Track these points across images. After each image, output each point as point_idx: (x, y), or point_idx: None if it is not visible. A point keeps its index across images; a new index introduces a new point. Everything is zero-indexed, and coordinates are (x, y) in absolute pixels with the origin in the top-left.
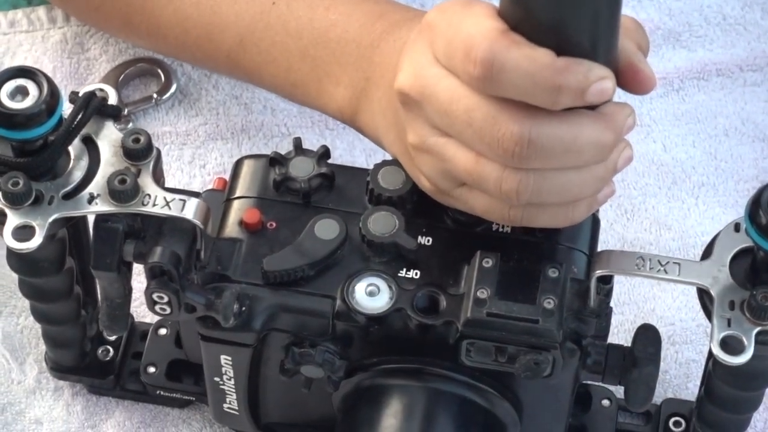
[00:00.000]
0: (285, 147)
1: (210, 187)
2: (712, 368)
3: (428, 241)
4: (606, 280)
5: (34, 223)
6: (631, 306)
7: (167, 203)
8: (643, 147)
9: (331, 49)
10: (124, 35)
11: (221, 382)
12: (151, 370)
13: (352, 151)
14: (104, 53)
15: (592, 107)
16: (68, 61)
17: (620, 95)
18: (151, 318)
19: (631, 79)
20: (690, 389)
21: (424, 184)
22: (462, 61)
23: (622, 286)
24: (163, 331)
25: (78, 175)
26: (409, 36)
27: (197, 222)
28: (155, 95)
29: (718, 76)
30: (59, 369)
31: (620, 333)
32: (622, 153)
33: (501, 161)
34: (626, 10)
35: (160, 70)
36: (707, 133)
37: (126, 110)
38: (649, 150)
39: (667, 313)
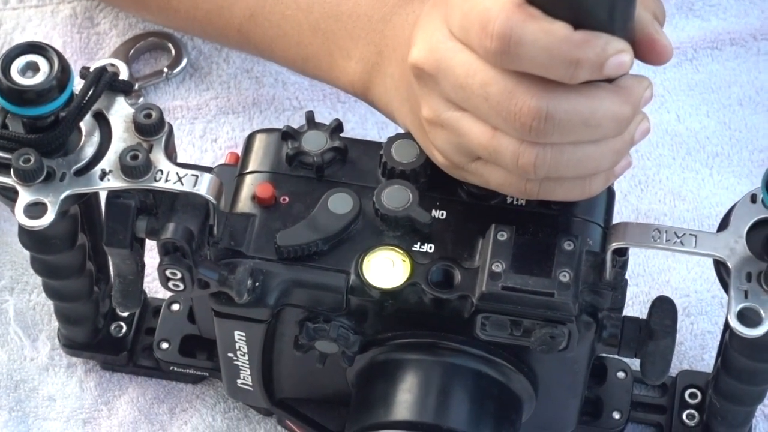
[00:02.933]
0: (297, 120)
1: (222, 161)
2: (729, 340)
3: (442, 214)
4: (621, 253)
5: (45, 200)
6: (645, 277)
7: (180, 179)
8: (657, 117)
9: (342, 23)
10: (134, 9)
11: (235, 358)
12: (164, 345)
13: (364, 124)
14: (114, 27)
15: (610, 80)
16: (78, 35)
17: (635, 65)
18: (163, 293)
19: (648, 50)
20: (706, 360)
21: (438, 159)
22: (478, 35)
23: (636, 257)
24: (176, 307)
25: (90, 151)
26: (421, 10)
27: (210, 198)
28: (166, 69)
29: (731, 45)
30: (72, 345)
31: (635, 305)
32: (639, 125)
33: (518, 135)
34: None
35: (170, 44)
36: (721, 103)
37: (136, 85)
38: (662, 120)
39: (682, 284)
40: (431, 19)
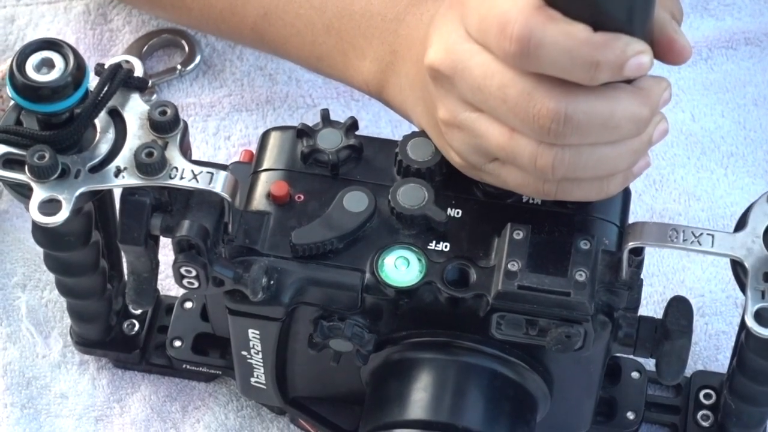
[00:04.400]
0: (310, 118)
1: (235, 158)
2: (745, 340)
3: (458, 213)
4: (637, 252)
5: (60, 197)
6: (660, 277)
7: (195, 176)
8: (672, 117)
9: (356, 22)
10: (147, 7)
11: (249, 357)
12: (177, 344)
13: (378, 122)
14: (127, 24)
15: (629, 81)
16: (91, 32)
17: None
18: (176, 291)
19: (666, 50)
20: (720, 361)
21: (455, 159)
22: (497, 38)
23: (651, 257)
24: (188, 305)
25: (104, 148)
26: (435, 9)
27: (225, 195)
28: (179, 66)
29: (746, 44)
30: (84, 343)
31: (649, 305)
32: (657, 126)
33: (536, 137)
34: None
35: (184, 41)
36: (736, 103)
37: (150, 82)
38: (677, 120)
39: (696, 284)
40: (447, 20)
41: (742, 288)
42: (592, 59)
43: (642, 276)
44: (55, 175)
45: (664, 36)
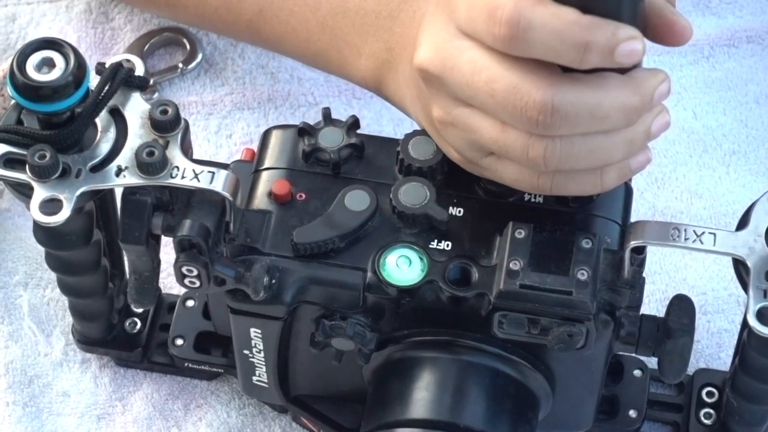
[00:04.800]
0: (312, 116)
1: (237, 157)
2: (747, 339)
3: (459, 212)
4: (639, 251)
5: (61, 197)
6: (662, 275)
7: (196, 175)
8: (674, 115)
9: (350, 20)
10: (144, 5)
11: (251, 355)
12: (179, 342)
13: (380, 120)
14: (129, 23)
15: (623, 72)
16: (93, 31)
17: (653, 61)
18: (178, 290)
19: (667, 32)
20: (722, 359)
21: (453, 156)
22: (486, 23)
23: (653, 255)
24: (190, 303)
25: (105, 147)
26: (427, 6)
27: (226, 194)
28: (181, 65)
29: (748, 42)
30: (86, 342)
31: (651, 303)
32: (656, 118)
33: (526, 129)
34: None
35: (185, 40)
36: (738, 101)
37: (151, 80)
38: (679, 118)
39: (698, 282)
40: (435, 20)
41: (744, 287)
42: (582, 39)
43: (644, 274)
44: (56, 175)
45: (663, 19)
